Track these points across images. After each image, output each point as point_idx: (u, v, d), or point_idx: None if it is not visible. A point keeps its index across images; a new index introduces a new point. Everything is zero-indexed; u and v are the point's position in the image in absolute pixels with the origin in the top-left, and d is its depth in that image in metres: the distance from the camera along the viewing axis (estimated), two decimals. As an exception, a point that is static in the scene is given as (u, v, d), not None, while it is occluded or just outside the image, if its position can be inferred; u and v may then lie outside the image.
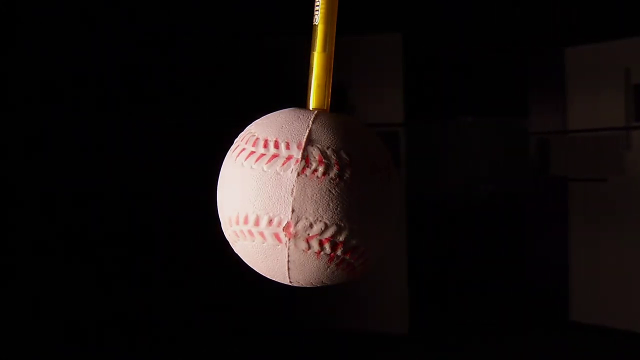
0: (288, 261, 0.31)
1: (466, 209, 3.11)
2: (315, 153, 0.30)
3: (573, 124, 2.46)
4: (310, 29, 0.34)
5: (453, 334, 2.36)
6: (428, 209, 2.96)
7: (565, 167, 2.50)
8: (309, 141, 0.31)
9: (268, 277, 0.33)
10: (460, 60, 2.99)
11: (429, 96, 3.00)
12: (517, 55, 2.73)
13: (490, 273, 2.89)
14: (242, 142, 0.33)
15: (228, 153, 0.34)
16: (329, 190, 0.30)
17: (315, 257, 0.31)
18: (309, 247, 0.30)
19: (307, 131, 0.31)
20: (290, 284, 0.33)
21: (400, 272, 2.34)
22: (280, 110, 0.34)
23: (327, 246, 0.30)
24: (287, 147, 0.31)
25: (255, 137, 0.32)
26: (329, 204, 0.30)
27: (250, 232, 0.31)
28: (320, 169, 0.30)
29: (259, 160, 0.31)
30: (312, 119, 0.32)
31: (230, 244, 0.34)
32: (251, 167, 0.31)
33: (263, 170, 0.31)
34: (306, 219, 0.30)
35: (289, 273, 0.32)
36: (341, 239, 0.30)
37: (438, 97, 3.08)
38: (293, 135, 0.31)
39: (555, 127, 2.54)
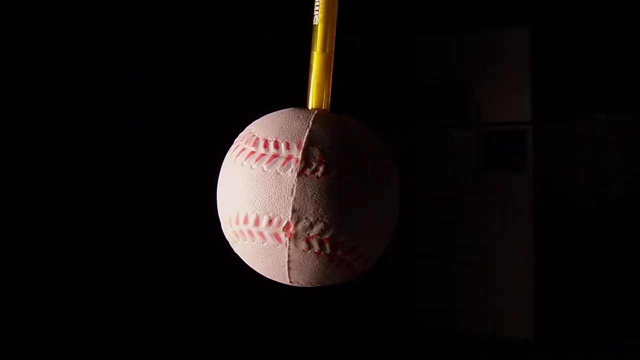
0: (288, 261, 0.31)
1: (598, 210, 2.91)
2: (315, 153, 0.30)
3: None
4: (310, 29, 0.34)
5: (581, 341, 2.25)
6: (557, 210, 2.80)
7: None
8: (309, 141, 0.31)
9: (268, 277, 0.33)
10: (592, 53, 2.80)
11: (558, 93, 2.84)
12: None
13: (623, 278, 2.70)
14: (242, 142, 0.33)
15: (228, 153, 0.34)
16: (330, 190, 0.30)
17: (316, 257, 0.31)
18: (309, 247, 0.30)
19: (307, 131, 0.31)
20: (290, 284, 0.33)
21: (527, 275, 2.29)
22: (280, 110, 0.34)
23: (327, 246, 0.30)
24: (287, 147, 0.31)
25: (255, 137, 0.32)
26: (329, 204, 0.30)
27: (250, 232, 0.31)
28: (321, 169, 0.30)
29: (259, 160, 0.31)
30: (312, 119, 0.32)
31: (230, 244, 0.34)
32: (251, 167, 0.31)
33: (263, 170, 0.31)
34: (306, 219, 0.30)
35: (288, 273, 0.32)
36: (342, 239, 0.30)
37: (568, 93, 2.90)
38: (293, 135, 0.31)
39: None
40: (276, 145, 0.31)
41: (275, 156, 0.31)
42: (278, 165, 0.30)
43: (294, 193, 0.30)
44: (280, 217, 0.30)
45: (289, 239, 0.30)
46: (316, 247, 0.30)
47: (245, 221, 0.31)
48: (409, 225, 2.52)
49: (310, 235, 0.30)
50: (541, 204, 2.37)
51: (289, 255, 0.31)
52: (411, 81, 2.49)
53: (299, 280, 0.32)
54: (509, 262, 2.33)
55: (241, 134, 0.34)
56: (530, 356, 2.14)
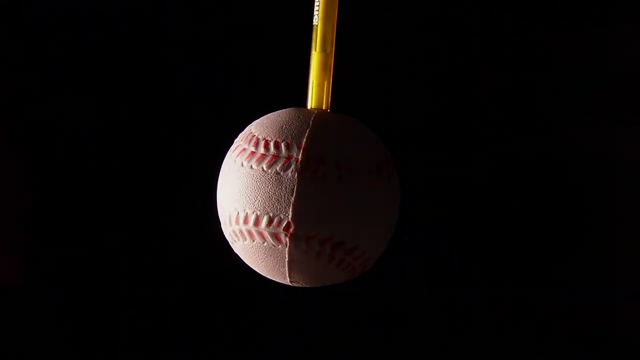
0: (288, 261, 0.31)
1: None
2: (315, 153, 0.30)
3: None
4: (310, 29, 0.34)
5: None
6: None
7: None
8: (310, 141, 0.31)
9: (268, 277, 0.34)
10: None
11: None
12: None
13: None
14: (242, 142, 0.33)
15: (228, 153, 0.34)
16: (330, 190, 0.30)
17: (316, 257, 0.31)
18: (310, 248, 0.30)
19: (308, 131, 0.31)
20: (290, 284, 0.33)
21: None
22: (280, 110, 0.34)
23: (327, 246, 0.30)
24: (287, 147, 0.31)
25: (255, 137, 0.32)
26: (329, 204, 0.30)
27: (250, 232, 0.31)
28: (321, 169, 0.30)
29: (259, 161, 0.31)
30: (312, 119, 0.32)
31: (230, 244, 0.34)
32: (251, 167, 0.31)
33: (263, 170, 0.31)
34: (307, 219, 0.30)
35: (289, 273, 0.32)
36: (342, 239, 0.31)
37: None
38: (293, 135, 0.31)
39: None
40: (276, 146, 0.31)
41: (275, 156, 0.31)
42: (278, 166, 0.30)
43: (294, 193, 0.30)
44: (281, 217, 0.30)
45: (289, 239, 0.30)
46: (316, 248, 0.30)
47: (245, 221, 0.31)
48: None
49: (311, 235, 0.30)
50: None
51: (289, 256, 0.31)
52: (285, 83, 2.48)
53: (299, 280, 0.32)
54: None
55: (241, 134, 0.34)
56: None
